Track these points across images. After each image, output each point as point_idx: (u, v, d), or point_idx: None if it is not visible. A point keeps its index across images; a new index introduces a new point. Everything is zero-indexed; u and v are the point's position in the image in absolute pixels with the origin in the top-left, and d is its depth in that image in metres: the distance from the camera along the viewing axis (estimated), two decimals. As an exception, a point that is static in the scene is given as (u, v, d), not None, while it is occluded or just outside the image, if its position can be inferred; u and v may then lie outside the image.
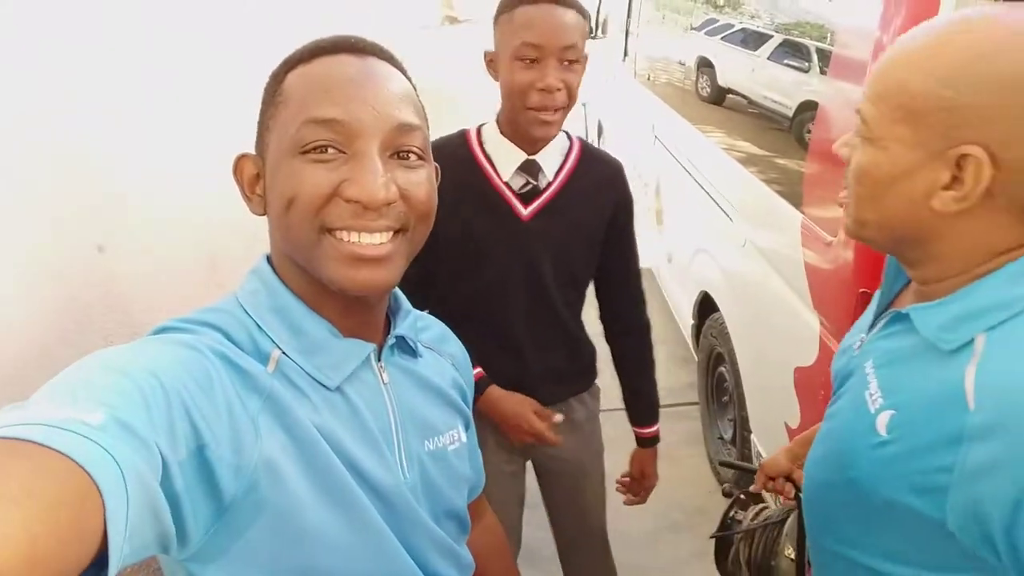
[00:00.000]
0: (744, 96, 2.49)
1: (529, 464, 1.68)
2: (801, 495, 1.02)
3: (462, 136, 1.45)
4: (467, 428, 0.91)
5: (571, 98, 1.32)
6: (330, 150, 0.67)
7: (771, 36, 2.26)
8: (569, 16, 1.27)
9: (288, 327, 0.72)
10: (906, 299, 0.88)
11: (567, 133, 1.47)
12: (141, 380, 0.55)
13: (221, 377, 0.63)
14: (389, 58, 0.74)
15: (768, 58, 2.27)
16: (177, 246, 0.99)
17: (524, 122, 1.34)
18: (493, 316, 1.47)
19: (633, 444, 1.69)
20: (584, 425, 1.62)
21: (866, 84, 0.77)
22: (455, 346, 0.96)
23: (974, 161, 0.70)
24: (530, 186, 1.42)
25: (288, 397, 0.67)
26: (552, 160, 1.43)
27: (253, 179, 0.74)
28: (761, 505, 1.33)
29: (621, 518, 2.46)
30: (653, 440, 1.66)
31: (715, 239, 2.71)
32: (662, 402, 1.68)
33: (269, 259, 0.77)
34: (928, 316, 0.76)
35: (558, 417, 1.49)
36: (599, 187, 1.47)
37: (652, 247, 3.87)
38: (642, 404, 1.65)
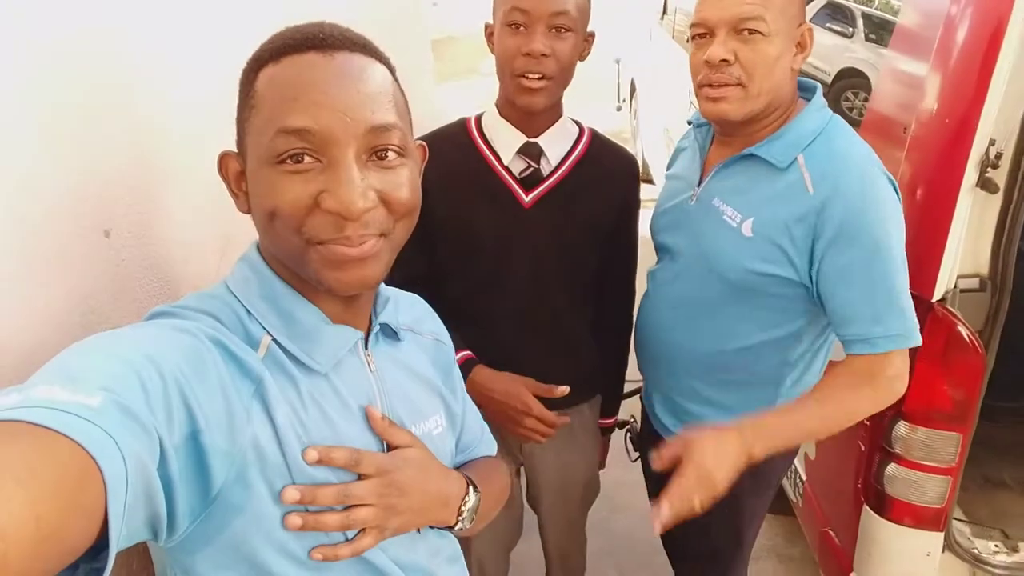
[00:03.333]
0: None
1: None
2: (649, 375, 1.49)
3: (461, 124, 1.39)
4: (448, 413, 0.91)
5: (561, 69, 1.25)
6: (306, 158, 0.65)
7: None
8: None
9: (278, 313, 0.72)
10: (715, 158, 1.31)
11: (577, 122, 1.40)
12: (138, 364, 0.56)
13: (216, 362, 0.63)
14: (363, 47, 0.70)
15: (812, 20, 2.14)
16: (189, 231, 0.96)
17: (512, 92, 1.27)
18: (486, 317, 1.37)
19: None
20: (579, 437, 1.54)
21: (751, 4, 1.12)
22: (435, 323, 0.96)
23: (809, 32, 1.19)
24: (531, 170, 1.34)
25: (277, 384, 0.68)
26: (556, 145, 1.35)
27: (238, 176, 0.73)
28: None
29: (624, 518, 2.41)
30: (610, 429, 1.69)
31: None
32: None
33: (259, 247, 0.77)
34: (768, 148, 1.21)
35: (564, 419, 1.37)
36: (608, 179, 1.38)
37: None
38: (609, 397, 1.64)
